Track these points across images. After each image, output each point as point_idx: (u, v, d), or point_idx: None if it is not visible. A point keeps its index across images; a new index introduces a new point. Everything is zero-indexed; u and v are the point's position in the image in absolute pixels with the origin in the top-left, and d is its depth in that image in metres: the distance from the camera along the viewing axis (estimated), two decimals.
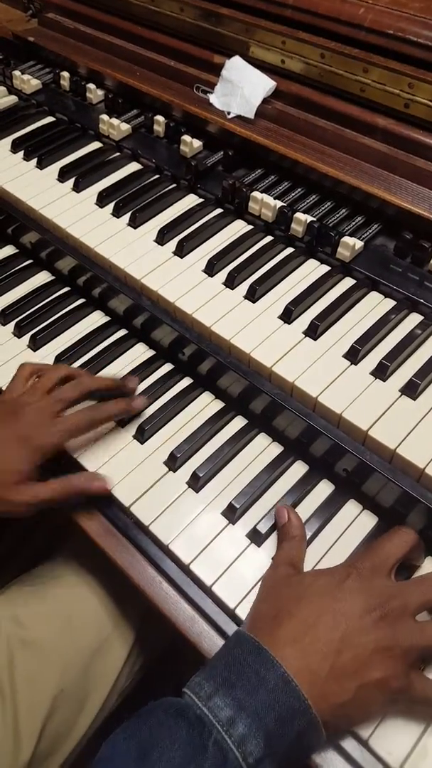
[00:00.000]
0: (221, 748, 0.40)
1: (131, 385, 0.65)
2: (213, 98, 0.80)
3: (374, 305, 0.64)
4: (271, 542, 0.56)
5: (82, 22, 0.98)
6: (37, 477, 0.58)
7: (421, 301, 0.62)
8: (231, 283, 0.67)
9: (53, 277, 0.80)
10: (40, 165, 0.83)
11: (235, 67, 0.79)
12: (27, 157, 0.85)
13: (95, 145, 0.86)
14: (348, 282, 0.66)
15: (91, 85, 0.90)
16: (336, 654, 0.44)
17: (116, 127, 0.83)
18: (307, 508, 0.58)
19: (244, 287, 0.66)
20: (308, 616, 0.46)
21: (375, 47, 0.69)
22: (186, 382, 0.68)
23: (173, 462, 0.61)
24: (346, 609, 0.45)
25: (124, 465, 0.62)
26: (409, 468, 0.54)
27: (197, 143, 0.79)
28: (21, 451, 0.57)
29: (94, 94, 0.90)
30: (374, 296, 0.65)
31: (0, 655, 0.58)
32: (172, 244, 0.71)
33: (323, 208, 0.70)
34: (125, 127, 0.84)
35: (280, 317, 0.64)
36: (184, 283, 0.67)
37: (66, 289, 0.78)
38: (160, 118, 0.83)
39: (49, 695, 0.58)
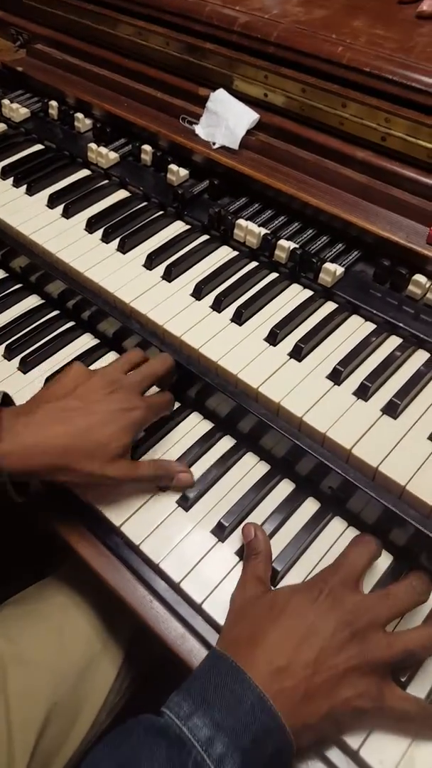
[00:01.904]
0: (200, 767, 0.41)
1: None
2: (198, 129, 0.83)
3: (355, 328, 0.67)
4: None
5: (70, 53, 1.01)
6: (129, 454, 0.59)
7: (400, 324, 0.65)
8: (218, 306, 0.69)
9: (43, 301, 0.81)
10: (30, 192, 0.85)
11: (220, 99, 0.82)
12: (16, 184, 0.86)
13: (84, 172, 0.88)
14: (330, 306, 0.69)
15: (79, 115, 0.93)
16: (310, 676, 0.45)
17: (104, 155, 0.86)
18: (294, 525, 0.60)
19: (230, 310, 0.69)
20: (282, 638, 0.47)
21: (353, 83, 0.72)
22: (174, 404, 0.69)
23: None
24: (318, 629, 0.47)
25: None
26: (390, 485, 0.56)
27: (184, 172, 0.82)
28: (121, 426, 0.57)
29: (82, 123, 0.93)
30: (355, 320, 0.68)
31: None
32: (161, 269, 0.73)
33: (305, 236, 0.73)
34: (113, 156, 0.86)
35: (266, 339, 0.66)
36: (173, 307, 0.69)
37: (55, 312, 0.79)
38: (147, 147, 0.85)
39: (42, 710, 0.59)
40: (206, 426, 0.67)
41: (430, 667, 0.52)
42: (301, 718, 0.45)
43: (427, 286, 0.66)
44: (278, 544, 0.58)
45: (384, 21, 0.79)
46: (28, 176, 0.86)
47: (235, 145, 0.79)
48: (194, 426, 0.67)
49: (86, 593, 0.67)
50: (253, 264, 0.74)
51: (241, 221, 0.74)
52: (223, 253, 0.75)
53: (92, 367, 0.72)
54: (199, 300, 0.70)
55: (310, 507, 0.61)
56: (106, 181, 0.86)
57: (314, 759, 0.49)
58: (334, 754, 0.49)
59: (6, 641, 0.62)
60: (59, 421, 0.56)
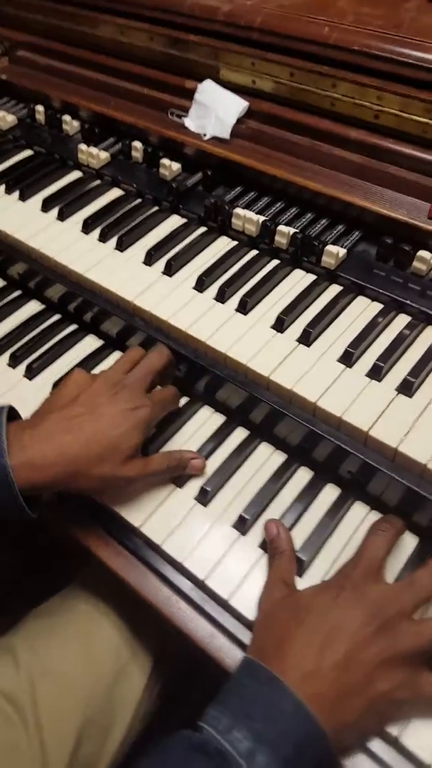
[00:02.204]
0: None
1: None
2: (188, 122, 0.82)
3: (362, 309, 0.66)
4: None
5: (53, 57, 1.00)
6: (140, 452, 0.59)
7: (407, 302, 0.64)
8: (222, 297, 0.68)
9: (44, 306, 0.80)
10: (23, 197, 0.84)
11: (207, 90, 0.81)
12: (9, 191, 0.86)
13: (76, 174, 0.87)
14: (335, 289, 0.68)
15: (67, 117, 0.92)
16: (342, 675, 0.45)
17: (95, 155, 0.85)
18: (316, 513, 0.58)
19: (234, 300, 0.68)
20: (311, 640, 0.46)
21: (342, 63, 0.71)
22: (184, 399, 0.68)
23: (180, 479, 0.61)
24: (345, 626, 0.46)
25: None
26: (411, 465, 0.55)
27: (176, 166, 0.81)
28: (129, 427, 0.56)
29: (70, 125, 0.92)
30: (361, 301, 0.67)
31: (22, 689, 0.58)
32: (161, 264, 0.72)
33: (305, 220, 0.72)
34: (104, 155, 0.85)
35: (273, 327, 0.65)
36: (176, 301, 0.68)
37: (57, 316, 0.78)
38: (137, 144, 0.84)
39: (75, 727, 0.57)
40: (219, 419, 0.66)
41: None
42: (338, 719, 0.44)
43: None
44: (302, 533, 0.57)
45: None
46: (20, 182, 0.85)
47: (226, 135, 0.78)
48: (206, 420, 0.66)
49: (109, 599, 0.65)
50: (254, 252, 0.73)
51: (239, 210, 0.73)
52: (223, 244, 0.74)
53: (97, 369, 0.72)
54: (202, 292, 0.69)
55: (330, 493, 0.60)
56: (99, 182, 0.85)
57: (356, 751, 0.48)
58: (375, 744, 0.48)
59: (32, 656, 0.61)
60: (66, 430, 0.55)
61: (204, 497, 0.60)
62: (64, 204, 0.81)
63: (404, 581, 0.50)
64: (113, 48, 0.92)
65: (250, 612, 0.53)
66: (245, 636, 0.53)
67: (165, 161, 0.81)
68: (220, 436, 0.64)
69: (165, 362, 0.64)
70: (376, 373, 0.59)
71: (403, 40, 0.69)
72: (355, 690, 0.44)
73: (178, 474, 0.61)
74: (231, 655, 0.53)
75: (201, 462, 0.61)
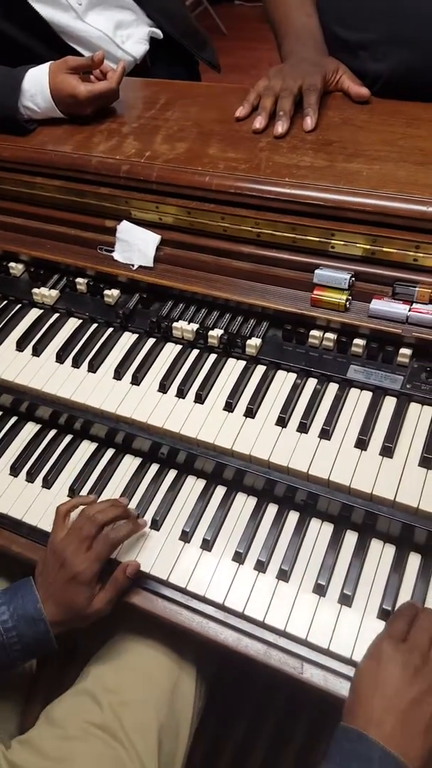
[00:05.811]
0: None
1: (125, 505, 0.85)
2: (116, 255, 1.04)
3: (283, 380, 0.91)
4: (273, 567, 0.81)
5: None
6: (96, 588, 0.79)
7: (311, 369, 0.90)
8: (181, 394, 0.91)
9: (40, 426, 1.00)
10: None
11: (126, 229, 1.03)
12: None
13: (35, 312, 1.07)
14: (261, 369, 0.93)
15: (11, 263, 1.11)
16: (403, 716, 0.62)
17: (47, 294, 1.05)
18: (286, 532, 0.83)
19: (192, 394, 0.91)
20: (372, 698, 0.64)
21: (224, 201, 0.96)
22: (172, 474, 0.91)
23: (186, 536, 0.84)
24: (392, 681, 0.64)
25: (150, 551, 0.84)
26: (341, 487, 0.81)
27: (116, 292, 1.03)
28: (79, 588, 0.78)
29: (16, 268, 1.11)
30: (281, 374, 0.92)
31: (110, 720, 0.79)
32: (128, 376, 0.94)
33: (225, 320, 0.97)
34: (54, 293, 1.06)
35: (224, 409, 0.89)
36: (148, 405, 0.91)
37: (53, 432, 0.99)
38: (80, 279, 1.06)
39: (155, 733, 0.79)
40: (201, 483, 0.89)
41: None
42: (410, 750, 0.60)
43: (321, 336, 0.91)
44: (279, 550, 0.81)
45: (231, 142, 1.02)
46: None
47: (150, 263, 1.01)
48: (193, 485, 0.89)
49: (154, 635, 0.87)
50: (196, 352, 0.96)
51: (176, 324, 0.96)
52: (170, 350, 0.97)
53: (99, 468, 0.93)
54: (165, 393, 0.92)
55: (293, 518, 0.85)
56: (56, 315, 1.06)
57: None
58: None
59: (108, 693, 0.82)
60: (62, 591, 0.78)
61: (207, 545, 0.83)
62: (36, 342, 1.01)
63: (414, 627, 0.68)
64: (38, 199, 1.12)
65: (260, 615, 0.77)
66: (260, 633, 0.77)
67: (106, 291, 1.03)
68: (206, 495, 0.88)
69: (96, 530, 0.80)
70: (304, 428, 0.85)
71: (263, 180, 0.94)
72: (416, 724, 0.62)
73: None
74: (254, 648, 0.77)
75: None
